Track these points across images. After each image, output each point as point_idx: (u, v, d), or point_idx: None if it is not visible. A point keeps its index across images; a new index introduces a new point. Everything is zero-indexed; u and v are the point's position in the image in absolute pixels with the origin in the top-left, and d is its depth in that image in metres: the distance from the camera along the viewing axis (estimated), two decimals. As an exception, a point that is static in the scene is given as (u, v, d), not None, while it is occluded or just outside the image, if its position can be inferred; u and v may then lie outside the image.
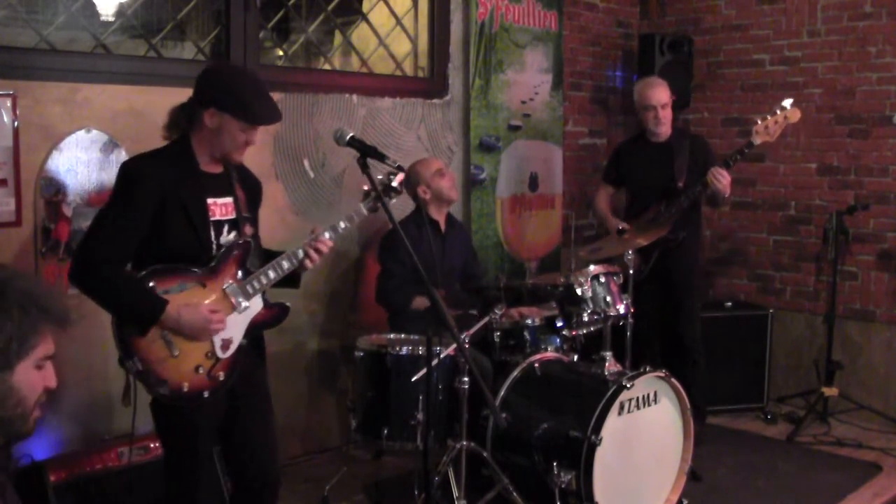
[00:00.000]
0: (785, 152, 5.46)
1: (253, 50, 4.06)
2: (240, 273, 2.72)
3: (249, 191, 2.84)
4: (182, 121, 2.69)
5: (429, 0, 4.89)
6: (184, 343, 2.59)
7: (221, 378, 2.68)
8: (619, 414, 3.37)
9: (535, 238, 5.50)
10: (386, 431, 3.44)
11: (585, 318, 3.73)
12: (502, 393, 3.57)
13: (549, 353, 3.75)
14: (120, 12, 3.91)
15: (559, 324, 3.86)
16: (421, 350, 3.43)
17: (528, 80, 5.32)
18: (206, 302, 2.63)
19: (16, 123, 3.32)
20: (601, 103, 5.92)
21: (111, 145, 3.58)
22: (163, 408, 2.64)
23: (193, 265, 2.62)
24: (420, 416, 3.37)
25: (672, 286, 4.62)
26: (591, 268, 3.79)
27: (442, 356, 3.32)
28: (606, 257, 4.15)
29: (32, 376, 1.64)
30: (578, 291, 3.71)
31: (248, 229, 2.76)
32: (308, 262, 2.80)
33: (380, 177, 2.88)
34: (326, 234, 2.85)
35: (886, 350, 5.12)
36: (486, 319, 3.55)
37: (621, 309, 3.76)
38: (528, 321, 3.85)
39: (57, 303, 1.67)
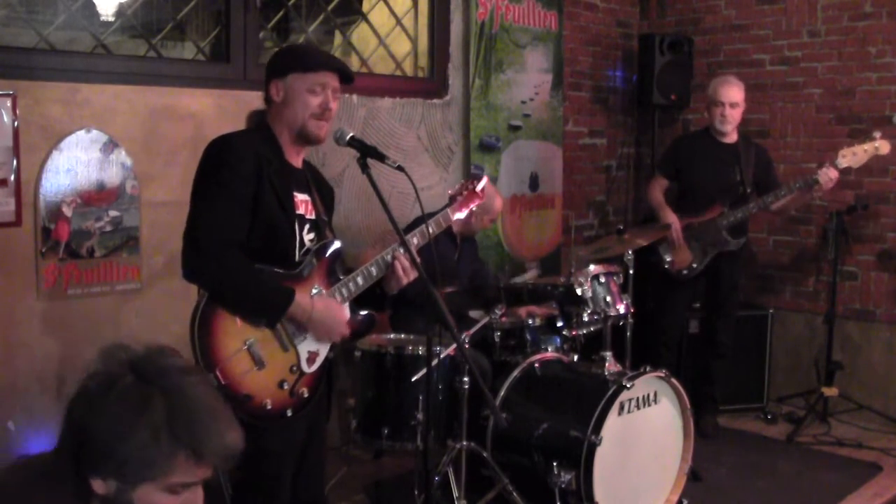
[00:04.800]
0: (785, 152, 5.46)
1: (253, 50, 4.05)
2: (328, 279, 2.54)
3: (323, 195, 2.68)
4: (259, 117, 2.55)
5: (429, 0, 4.89)
6: (271, 354, 2.38)
7: (305, 395, 2.48)
8: (619, 414, 3.37)
9: (535, 238, 5.50)
10: (386, 431, 3.44)
11: (585, 318, 3.74)
12: (502, 393, 3.58)
13: (549, 353, 3.75)
14: (120, 12, 3.91)
15: (559, 324, 3.86)
16: (421, 350, 3.43)
17: (528, 80, 5.31)
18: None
19: (16, 123, 3.32)
20: (601, 103, 5.92)
21: (111, 145, 3.58)
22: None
23: (279, 267, 2.41)
24: (420, 416, 3.37)
25: (718, 286, 4.75)
26: (591, 268, 3.79)
27: (442, 356, 3.32)
28: (609, 256, 4.13)
29: (160, 499, 1.48)
30: (578, 291, 3.71)
31: (328, 234, 2.60)
32: (400, 272, 2.57)
33: (461, 182, 2.87)
34: (414, 240, 2.68)
35: (886, 350, 5.12)
36: (486, 319, 3.55)
37: (621, 309, 3.76)
38: (529, 321, 3.86)
39: (215, 435, 1.48)
